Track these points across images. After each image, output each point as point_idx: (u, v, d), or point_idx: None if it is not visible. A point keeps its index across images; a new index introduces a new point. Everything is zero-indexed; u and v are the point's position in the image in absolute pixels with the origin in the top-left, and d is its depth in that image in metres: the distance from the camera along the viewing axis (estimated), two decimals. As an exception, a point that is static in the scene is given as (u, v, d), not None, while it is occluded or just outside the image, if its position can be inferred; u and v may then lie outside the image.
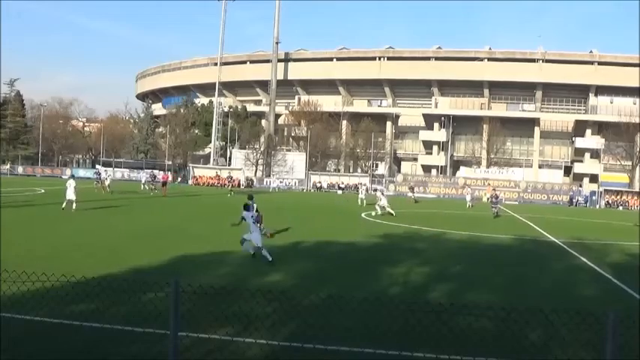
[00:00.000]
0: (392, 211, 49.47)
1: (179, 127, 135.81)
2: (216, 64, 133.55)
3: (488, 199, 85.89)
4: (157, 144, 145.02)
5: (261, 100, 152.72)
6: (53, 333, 12.11)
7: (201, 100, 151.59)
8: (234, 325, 12.27)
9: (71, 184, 41.67)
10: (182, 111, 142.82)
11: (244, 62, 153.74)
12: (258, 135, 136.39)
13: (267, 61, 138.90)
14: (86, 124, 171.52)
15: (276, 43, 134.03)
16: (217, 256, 23.36)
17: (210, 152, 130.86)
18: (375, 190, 72.56)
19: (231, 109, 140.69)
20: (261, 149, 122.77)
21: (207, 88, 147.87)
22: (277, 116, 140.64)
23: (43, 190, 61.14)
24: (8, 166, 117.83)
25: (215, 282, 17.05)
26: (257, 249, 22.68)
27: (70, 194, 41.00)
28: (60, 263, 18.63)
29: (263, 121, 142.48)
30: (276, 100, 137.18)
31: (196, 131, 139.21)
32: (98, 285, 13.80)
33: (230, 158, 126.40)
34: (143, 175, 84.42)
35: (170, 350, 7.73)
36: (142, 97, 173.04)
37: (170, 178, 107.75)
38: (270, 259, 21.92)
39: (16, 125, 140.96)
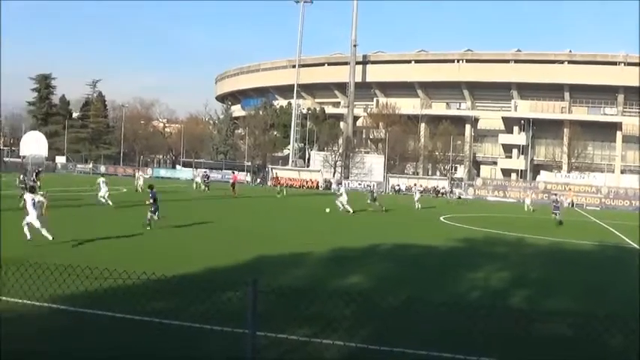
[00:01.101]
0: (350, 209, 47.74)
1: (258, 129, 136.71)
2: (294, 66, 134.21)
3: (568, 204, 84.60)
4: (236, 145, 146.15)
5: (339, 102, 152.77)
6: (133, 330, 12.31)
7: (280, 102, 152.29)
8: (311, 326, 12.31)
9: (103, 182, 43.80)
10: (261, 113, 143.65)
11: (322, 64, 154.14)
12: (337, 137, 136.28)
13: (346, 63, 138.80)
14: (167, 124, 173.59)
15: (354, 45, 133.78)
16: (295, 257, 23.44)
17: (289, 154, 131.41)
18: (339, 184, 69.80)
19: (309, 111, 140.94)
20: (340, 151, 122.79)
21: (285, 90, 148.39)
22: (355, 118, 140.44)
23: (125, 190, 62.06)
24: (91, 165, 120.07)
25: (293, 283, 17.14)
26: (37, 230, 22.61)
27: (104, 192, 43.00)
28: (141, 261, 18.91)
29: (341, 124, 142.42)
30: (355, 103, 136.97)
31: (275, 133, 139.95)
32: (178, 283, 14.01)
33: (309, 160, 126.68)
34: (197, 175, 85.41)
35: (248, 349, 7.80)
36: (222, 98, 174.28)
37: (249, 179, 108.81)
38: (51, 238, 22.17)
39: (98, 125, 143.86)
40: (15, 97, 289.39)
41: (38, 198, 23.66)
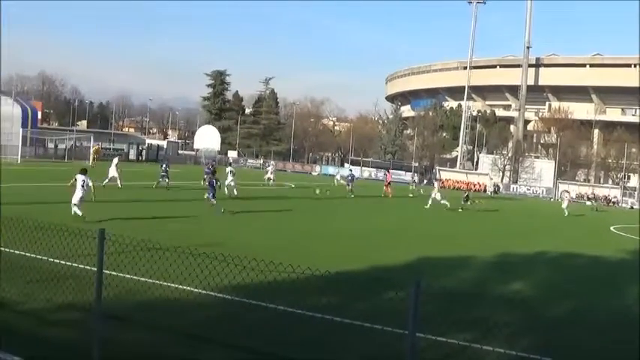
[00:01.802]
0: (446, 203, 48.34)
1: (427, 130, 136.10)
2: (465, 67, 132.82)
3: None
4: (404, 145, 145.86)
5: (510, 105, 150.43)
6: (297, 324, 12.61)
7: (450, 104, 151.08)
8: (472, 331, 12.28)
9: (231, 171, 44.97)
10: (430, 114, 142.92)
11: (494, 66, 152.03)
12: (506, 140, 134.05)
13: (518, 65, 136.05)
14: (336, 123, 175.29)
15: (527, 47, 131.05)
16: (458, 260, 23.38)
17: (457, 156, 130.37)
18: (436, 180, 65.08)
19: (479, 114, 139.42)
20: (509, 155, 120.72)
21: (455, 92, 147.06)
22: (526, 122, 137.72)
23: (292, 185, 63.11)
24: (261, 161, 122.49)
25: (455, 286, 17.11)
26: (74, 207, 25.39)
27: (229, 181, 43.85)
28: (303, 256, 19.22)
29: (512, 127, 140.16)
30: (526, 106, 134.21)
31: (444, 134, 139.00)
32: (341, 280, 14.23)
33: (477, 163, 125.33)
34: (338, 171, 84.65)
35: (407, 350, 7.86)
36: (392, 98, 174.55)
37: (415, 180, 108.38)
38: (80, 213, 24.71)
39: (270, 122, 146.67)
40: (189, 93, 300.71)
41: (88, 181, 26.45)
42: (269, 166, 71.87)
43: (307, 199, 48.42)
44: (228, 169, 45.73)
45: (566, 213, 55.84)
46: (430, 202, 48.85)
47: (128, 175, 48.11)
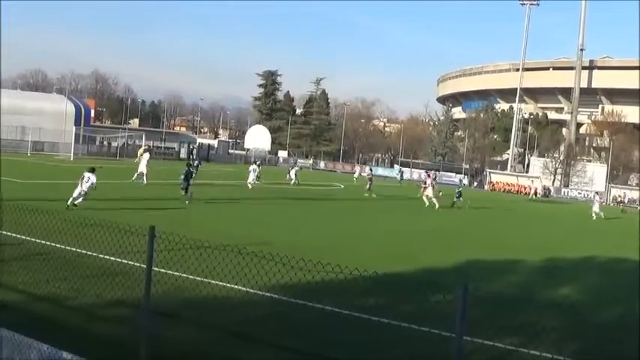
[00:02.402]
0: (436, 203, 46.62)
1: (478, 132, 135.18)
2: (517, 69, 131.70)
3: None
4: (455, 147, 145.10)
5: (562, 108, 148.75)
6: (344, 324, 12.63)
7: (502, 106, 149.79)
8: (518, 335, 12.20)
9: (255, 170, 46.73)
10: (482, 116, 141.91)
11: (547, 68, 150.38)
12: (558, 144, 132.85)
13: (571, 68, 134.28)
14: (387, 124, 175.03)
15: (581, 50, 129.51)
16: (507, 264, 23.27)
17: (507, 158, 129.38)
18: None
19: (531, 116, 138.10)
20: (561, 158, 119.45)
21: (507, 94, 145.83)
22: (579, 125, 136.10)
23: (342, 186, 63.11)
24: (311, 161, 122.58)
25: (503, 290, 17.02)
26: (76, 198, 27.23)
27: (251, 178, 45.62)
28: (350, 256, 19.20)
29: (564, 130, 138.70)
30: (579, 109, 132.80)
31: (495, 136, 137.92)
32: (388, 282, 14.23)
33: (528, 165, 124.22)
34: (361, 170, 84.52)
35: (454, 353, 7.84)
36: (443, 100, 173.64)
37: (465, 182, 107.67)
38: (67, 204, 26.11)
39: (320, 122, 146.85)
40: (241, 92, 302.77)
41: (93, 179, 27.87)
42: (295, 165, 71.26)
43: (348, 200, 48.50)
44: (252, 167, 46.45)
45: (599, 216, 54.64)
46: (427, 201, 47.71)
47: (168, 174, 48.74)
